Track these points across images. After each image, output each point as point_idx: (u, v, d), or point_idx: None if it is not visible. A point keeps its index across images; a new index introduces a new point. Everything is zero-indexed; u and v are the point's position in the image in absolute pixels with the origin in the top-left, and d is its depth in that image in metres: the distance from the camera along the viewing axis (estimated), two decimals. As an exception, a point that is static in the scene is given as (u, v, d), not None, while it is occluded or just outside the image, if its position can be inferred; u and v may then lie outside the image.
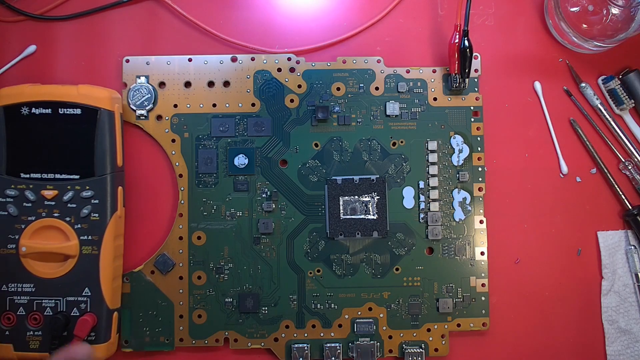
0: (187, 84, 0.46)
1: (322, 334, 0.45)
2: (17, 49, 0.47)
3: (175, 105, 0.46)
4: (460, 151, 0.47)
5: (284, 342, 0.45)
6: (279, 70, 0.47)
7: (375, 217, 0.45)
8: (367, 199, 0.45)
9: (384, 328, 0.46)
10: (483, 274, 0.46)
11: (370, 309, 0.46)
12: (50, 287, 0.41)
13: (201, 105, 0.46)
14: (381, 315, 0.46)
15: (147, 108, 0.46)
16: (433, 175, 0.46)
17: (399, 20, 0.48)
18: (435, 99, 0.47)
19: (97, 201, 0.42)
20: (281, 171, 0.46)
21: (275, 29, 0.48)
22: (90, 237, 0.42)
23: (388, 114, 0.47)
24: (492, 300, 0.46)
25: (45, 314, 0.41)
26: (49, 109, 0.42)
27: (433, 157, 0.46)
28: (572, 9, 0.47)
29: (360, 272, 0.46)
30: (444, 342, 0.46)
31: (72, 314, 0.41)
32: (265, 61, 0.47)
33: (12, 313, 0.41)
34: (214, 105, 0.46)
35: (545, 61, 0.48)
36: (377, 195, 0.45)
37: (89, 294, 0.41)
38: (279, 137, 0.46)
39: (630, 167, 0.48)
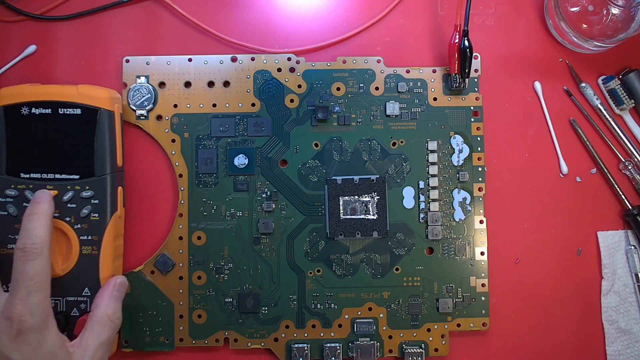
0: (187, 84, 0.46)
1: (322, 334, 0.45)
2: (17, 49, 0.47)
3: (175, 105, 0.46)
4: (460, 151, 0.47)
5: (284, 342, 0.45)
6: (279, 70, 0.47)
7: (375, 217, 0.45)
8: (367, 199, 0.45)
9: (384, 328, 0.46)
10: (483, 274, 0.46)
11: (370, 309, 0.46)
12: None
13: (201, 105, 0.46)
14: (381, 315, 0.46)
15: (147, 108, 0.46)
16: (433, 175, 0.46)
17: (399, 20, 0.48)
18: (435, 99, 0.47)
19: (97, 201, 0.42)
20: (281, 171, 0.46)
21: (275, 29, 0.48)
22: (90, 237, 0.42)
23: (388, 114, 0.47)
24: (492, 300, 0.46)
25: (45, 314, 0.41)
26: (49, 109, 0.42)
27: (433, 157, 0.46)
28: (572, 9, 0.47)
29: (360, 272, 0.46)
30: (444, 342, 0.46)
31: (72, 314, 0.41)
32: (265, 61, 0.47)
33: (12, 313, 0.41)
34: (214, 105, 0.46)
35: (545, 61, 0.48)
36: (377, 195, 0.45)
37: (89, 294, 0.41)
38: (279, 137, 0.46)
39: (630, 167, 0.48)
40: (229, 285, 0.45)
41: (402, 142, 0.47)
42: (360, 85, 0.47)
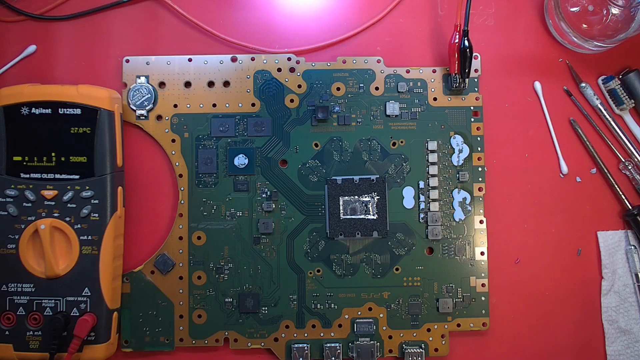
0: (187, 84, 0.46)
1: (322, 334, 0.45)
2: (17, 49, 0.47)
3: (175, 105, 0.46)
4: (460, 151, 0.47)
5: (284, 342, 0.45)
6: (279, 70, 0.47)
7: (375, 217, 0.45)
8: (367, 199, 0.45)
9: (384, 328, 0.46)
10: (483, 274, 0.46)
11: (370, 309, 0.46)
12: (50, 287, 0.41)
13: (201, 105, 0.46)
14: (381, 315, 0.46)
15: (147, 108, 0.46)
16: (433, 175, 0.46)
17: (399, 20, 0.48)
18: (435, 99, 0.47)
19: (97, 201, 0.42)
20: (281, 171, 0.46)
21: (275, 29, 0.48)
22: (90, 237, 0.42)
23: (388, 114, 0.47)
24: (492, 300, 0.46)
25: (45, 314, 0.41)
26: (49, 109, 0.42)
27: (433, 157, 0.46)
28: (572, 9, 0.47)
29: (360, 272, 0.46)
30: (444, 342, 0.46)
31: (72, 314, 0.41)
32: (265, 61, 0.47)
33: (12, 313, 0.41)
34: (214, 105, 0.46)
35: (545, 61, 0.48)
36: (377, 195, 0.45)
37: (89, 294, 0.41)
38: (279, 137, 0.46)
39: (630, 167, 0.48)
40: (229, 285, 0.45)
41: (402, 142, 0.47)
42: (360, 85, 0.47)
